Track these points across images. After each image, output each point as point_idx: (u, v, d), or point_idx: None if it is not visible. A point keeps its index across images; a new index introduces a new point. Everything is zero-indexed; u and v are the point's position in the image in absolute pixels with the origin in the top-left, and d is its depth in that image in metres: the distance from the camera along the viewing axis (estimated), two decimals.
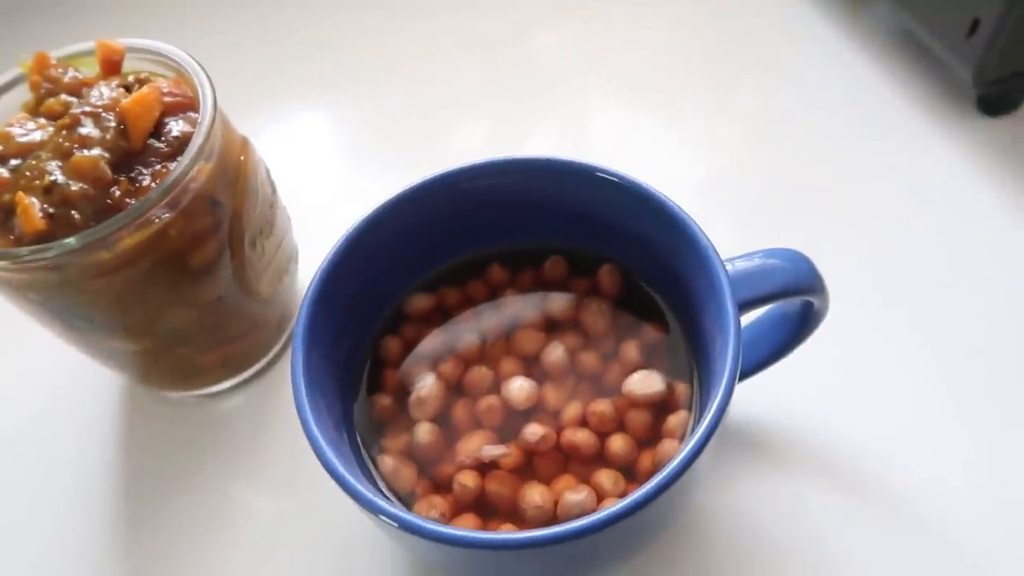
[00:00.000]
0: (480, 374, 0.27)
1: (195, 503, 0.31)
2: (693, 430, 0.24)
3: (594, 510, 0.22)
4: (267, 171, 0.31)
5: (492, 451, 0.25)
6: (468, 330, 0.29)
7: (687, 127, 0.43)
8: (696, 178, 0.40)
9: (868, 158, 0.39)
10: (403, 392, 0.27)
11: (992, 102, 0.39)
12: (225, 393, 0.34)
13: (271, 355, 0.34)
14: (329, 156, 0.44)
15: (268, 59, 0.48)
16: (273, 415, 0.34)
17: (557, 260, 0.29)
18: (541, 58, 0.48)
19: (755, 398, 0.30)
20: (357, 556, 0.29)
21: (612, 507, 0.20)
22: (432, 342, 0.29)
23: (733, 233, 0.38)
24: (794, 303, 0.27)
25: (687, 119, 0.43)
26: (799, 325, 0.27)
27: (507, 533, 0.21)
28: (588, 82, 0.45)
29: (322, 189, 0.41)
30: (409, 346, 0.29)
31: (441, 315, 0.29)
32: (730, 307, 0.22)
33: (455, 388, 0.27)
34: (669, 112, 0.43)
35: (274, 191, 0.32)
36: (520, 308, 0.29)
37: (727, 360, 0.22)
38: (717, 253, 0.24)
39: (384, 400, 0.27)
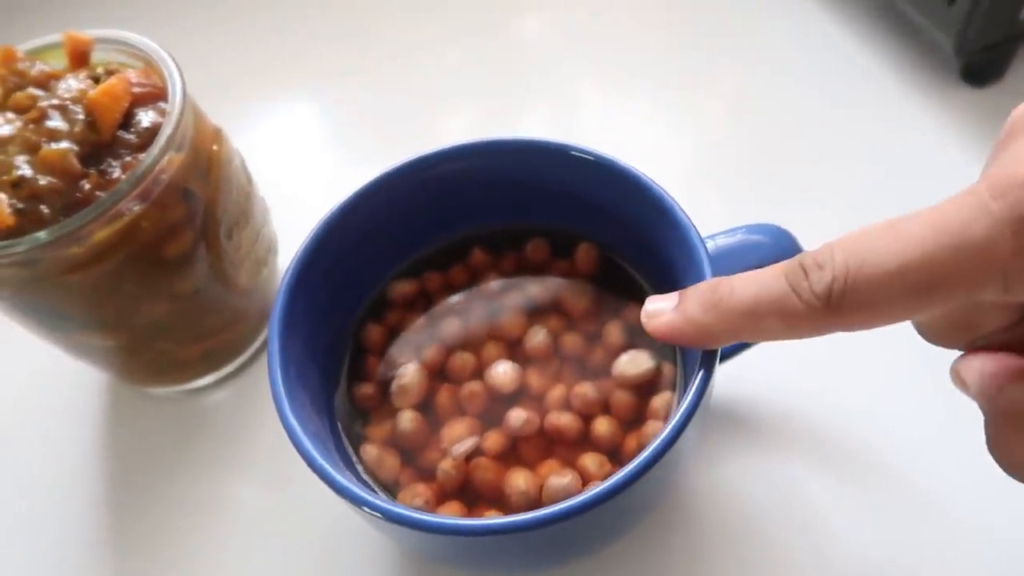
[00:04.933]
0: (463, 360, 0.27)
1: (182, 497, 0.31)
2: (675, 410, 0.24)
3: (579, 493, 0.22)
4: (242, 161, 0.31)
5: (461, 448, 0.25)
6: (451, 315, 0.28)
7: (674, 105, 0.42)
8: (684, 155, 0.40)
9: (853, 130, 0.39)
10: (386, 380, 0.27)
11: (976, 72, 0.38)
12: (209, 388, 0.34)
13: (254, 348, 0.34)
14: (313, 146, 0.44)
15: (249, 49, 0.47)
16: (258, 408, 0.33)
17: (539, 242, 0.29)
18: (527, 43, 0.47)
19: (744, 376, 0.30)
20: (345, 545, 0.29)
21: (592, 490, 0.20)
22: (415, 328, 0.28)
23: (721, 208, 0.38)
24: None
25: (674, 97, 0.42)
26: None
27: (488, 519, 0.20)
28: (575, 66, 0.45)
29: (305, 179, 0.41)
30: (392, 333, 0.28)
31: (424, 300, 0.29)
32: None
33: (438, 374, 0.27)
34: (656, 91, 0.43)
35: (250, 181, 0.31)
36: (503, 292, 0.29)
37: None
38: (696, 230, 0.23)
39: (367, 388, 0.27)
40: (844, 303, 0.17)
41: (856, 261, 0.16)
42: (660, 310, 0.21)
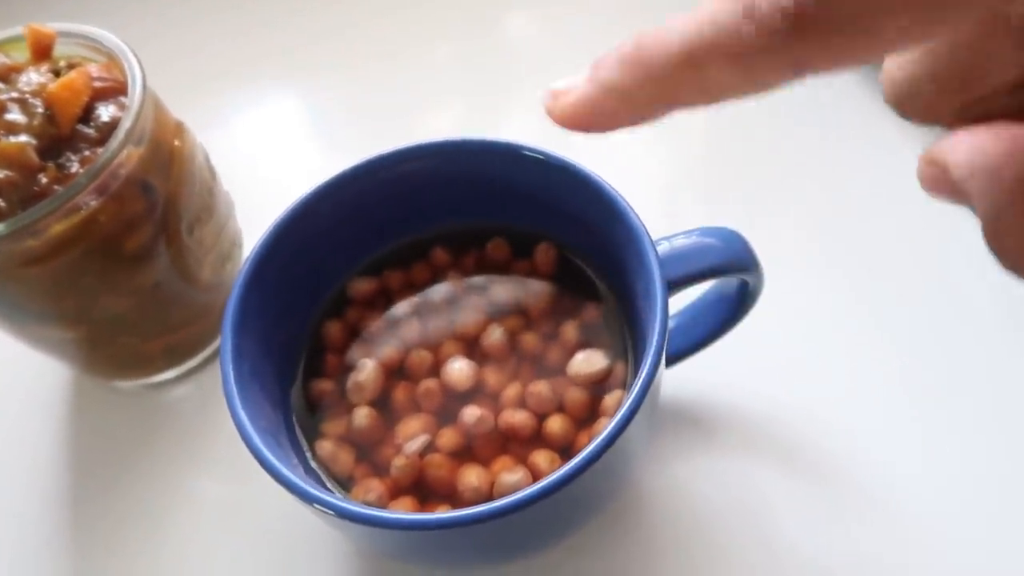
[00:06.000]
0: (420, 357, 0.27)
1: (144, 491, 0.31)
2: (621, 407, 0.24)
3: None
4: (206, 156, 0.31)
5: (413, 445, 0.25)
6: (410, 313, 0.29)
7: None
8: (664, 159, 0.40)
9: (825, 141, 0.39)
10: (344, 376, 0.27)
11: None
12: (172, 382, 0.34)
13: (217, 343, 0.34)
14: (287, 141, 0.43)
15: (226, 44, 0.47)
16: (221, 402, 0.32)
17: (499, 242, 0.29)
18: (514, 41, 0.47)
19: (698, 377, 0.30)
20: (306, 539, 0.29)
21: (537, 485, 0.20)
22: (374, 325, 0.28)
23: (698, 210, 0.38)
24: (731, 283, 0.27)
25: None
26: (736, 304, 0.27)
27: (434, 514, 0.21)
28: (561, 65, 0.44)
29: (273, 173, 0.41)
30: (351, 329, 0.28)
31: (384, 298, 0.29)
32: (658, 284, 0.22)
33: (395, 371, 0.27)
34: None
35: (213, 176, 0.31)
36: (462, 290, 0.29)
37: (653, 337, 0.22)
38: (647, 230, 0.24)
39: (323, 384, 0.27)
40: (819, 18, 0.12)
41: None
42: (570, 86, 0.16)
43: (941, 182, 0.15)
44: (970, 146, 0.14)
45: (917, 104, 0.15)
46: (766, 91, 0.13)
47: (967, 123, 0.14)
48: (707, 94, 0.13)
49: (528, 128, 0.43)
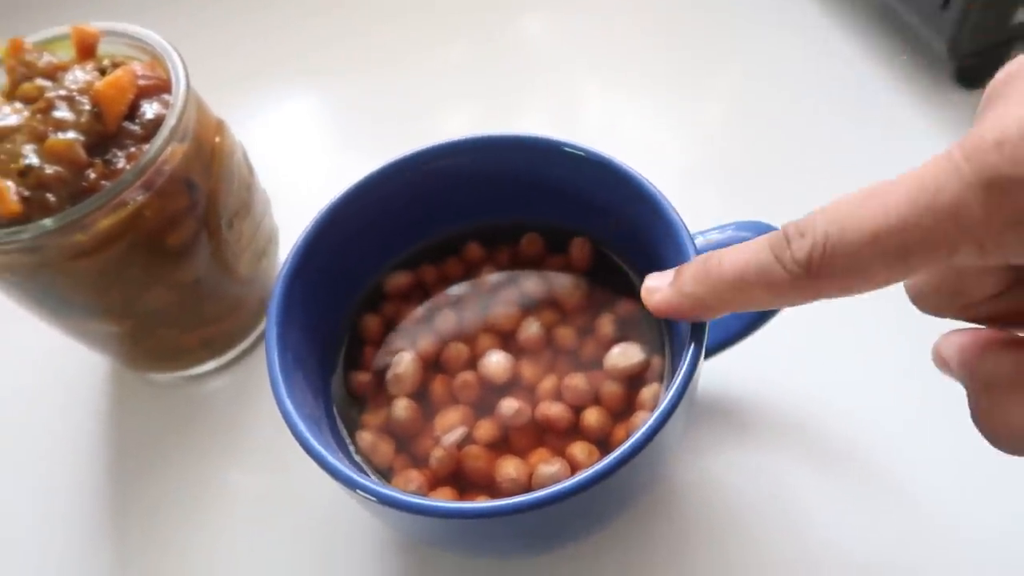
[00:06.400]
0: (457, 350, 0.28)
1: (180, 481, 0.32)
2: (661, 401, 0.24)
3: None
4: (244, 153, 0.31)
5: (450, 437, 0.25)
6: (446, 307, 0.29)
7: (674, 105, 0.43)
8: (683, 153, 0.41)
9: (848, 131, 0.39)
10: (382, 369, 0.28)
11: (970, 74, 0.39)
12: (210, 374, 0.34)
13: (254, 336, 0.34)
14: (316, 139, 0.44)
15: (256, 44, 0.48)
16: (257, 394, 0.34)
17: (533, 237, 0.30)
18: (528, 42, 0.48)
19: (733, 371, 0.31)
20: (340, 530, 0.30)
21: (577, 477, 0.20)
22: (411, 319, 0.29)
23: (718, 205, 0.38)
24: None
25: (673, 97, 0.43)
26: None
27: (477, 503, 0.21)
28: (575, 65, 0.45)
29: (307, 171, 0.42)
30: (388, 323, 0.29)
31: (420, 292, 0.30)
32: None
33: (433, 364, 0.28)
34: (656, 90, 0.43)
35: (251, 173, 0.32)
36: (497, 285, 0.29)
37: (692, 332, 0.22)
38: (686, 227, 0.24)
39: (363, 376, 0.28)
40: (823, 270, 0.17)
41: (836, 228, 0.17)
42: (658, 286, 0.22)
43: (945, 369, 0.20)
44: (957, 345, 0.19)
45: (929, 305, 0.20)
46: (796, 306, 0.19)
47: (971, 318, 0.20)
48: (751, 306, 0.20)
49: (539, 125, 0.43)
